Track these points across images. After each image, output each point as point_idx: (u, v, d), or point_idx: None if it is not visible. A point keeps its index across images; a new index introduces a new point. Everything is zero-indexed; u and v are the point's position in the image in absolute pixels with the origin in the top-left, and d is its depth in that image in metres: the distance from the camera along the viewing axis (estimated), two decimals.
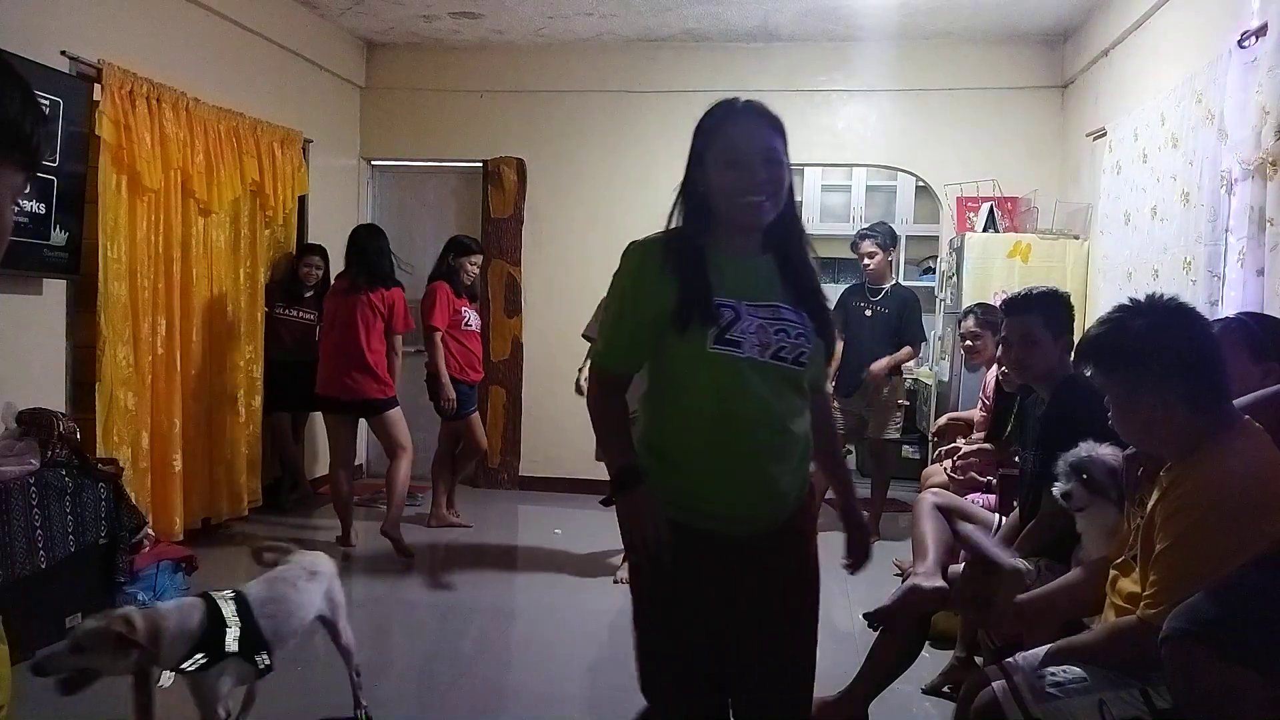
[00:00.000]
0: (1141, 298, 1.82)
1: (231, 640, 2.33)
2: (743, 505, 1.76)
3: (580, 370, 4.57)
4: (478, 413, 5.45)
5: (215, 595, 2.41)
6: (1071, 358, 2.68)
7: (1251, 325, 2.23)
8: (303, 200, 5.74)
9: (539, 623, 3.90)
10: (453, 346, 5.11)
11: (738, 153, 1.73)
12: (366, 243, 4.83)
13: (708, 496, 1.75)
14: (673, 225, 1.83)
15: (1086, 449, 2.29)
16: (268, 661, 2.42)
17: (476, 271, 5.33)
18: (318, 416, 5.47)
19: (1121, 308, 1.82)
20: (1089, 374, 1.90)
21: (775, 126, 1.78)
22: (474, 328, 5.31)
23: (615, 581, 4.21)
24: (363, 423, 5.05)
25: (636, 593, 1.85)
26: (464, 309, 5.20)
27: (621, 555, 4.24)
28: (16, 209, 0.74)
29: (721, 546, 1.75)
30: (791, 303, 1.78)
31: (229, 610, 2.37)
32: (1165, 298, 1.80)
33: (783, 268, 1.81)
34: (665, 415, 1.81)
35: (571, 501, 5.78)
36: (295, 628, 2.57)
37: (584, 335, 4.43)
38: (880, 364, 5.08)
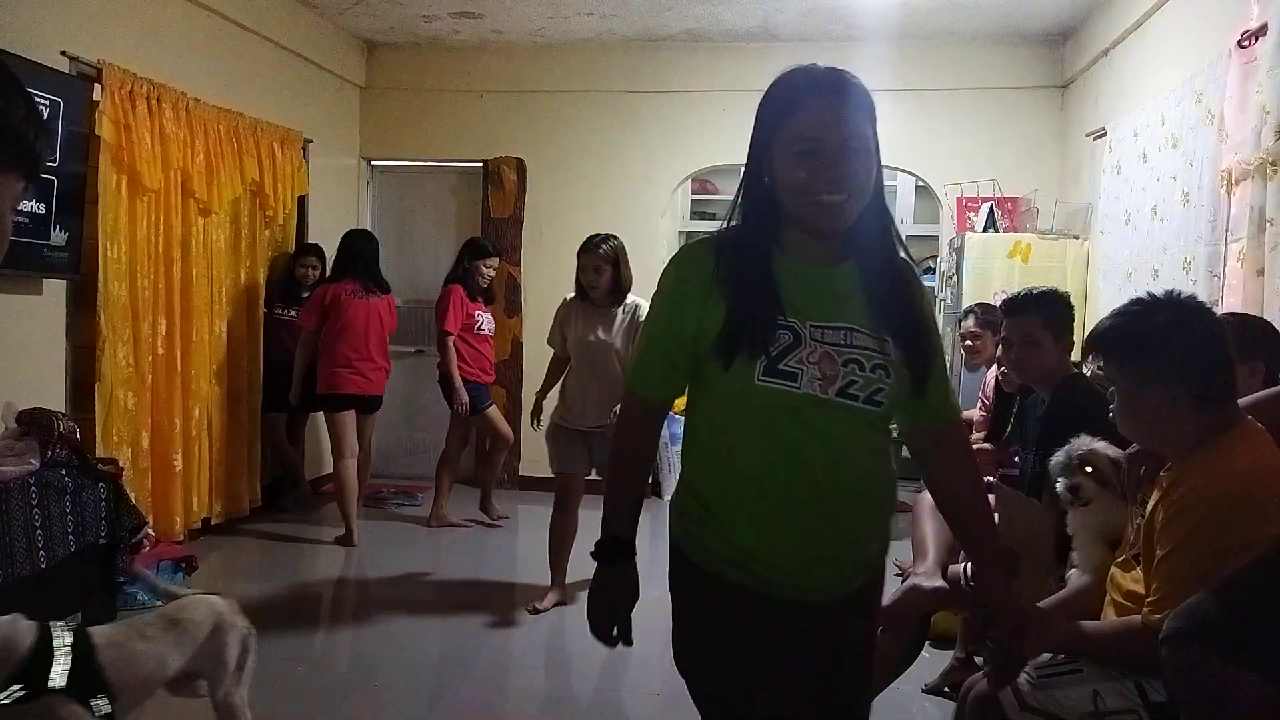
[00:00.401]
0: (1159, 293, 1.80)
1: (59, 674, 1.99)
2: (802, 569, 1.46)
3: (539, 393, 4.33)
4: (494, 405, 5.46)
5: (54, 626, 2.08)
6: (1077, 353, 2.68)
7: (1234, 324, 2.24)
8: (303, 200, 5.75)
9: (538, 623, 3.89)
10: (465, 351, 5.10)
11: (813, 141, 1.39)
12: (363, 247, 5.06)
13: (761, 557, 1.45)
14: (731, 224, 1.52)
15: (1084, 443, 2.28)
16: (107, 710, 2.05)
17: (493, 274, 5.30)
18: (316, 417, 5.48)
19: (1140, 301, 1.80)
20: (1098, 365, 1.89)
21: (862, 104, 1.43)
22: (487, 332, 5.28)
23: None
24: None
25: (688, 665, 1.53)
26: (478, 312, 5.18)
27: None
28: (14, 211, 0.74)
29: (785, 611, 1.46)
30: (872, 325, 1.45)
31: (61, 641, 2.04)
32: (1185, 295, 1.79)
33: (866, 280, 1.47)
34: (707, 457, 1.51)
35: None
36: (137, 680, 2.17)
37: (549, 342, 4.23)
38: None
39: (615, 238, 4.04)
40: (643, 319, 3.79)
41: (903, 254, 1.54)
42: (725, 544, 1.47)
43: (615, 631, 1.57)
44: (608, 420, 3.81)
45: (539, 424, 4.33)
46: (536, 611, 3.92)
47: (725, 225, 1.53)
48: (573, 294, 4.08)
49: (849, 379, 1.42)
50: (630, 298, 3.99)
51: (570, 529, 4.01)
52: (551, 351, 4.28)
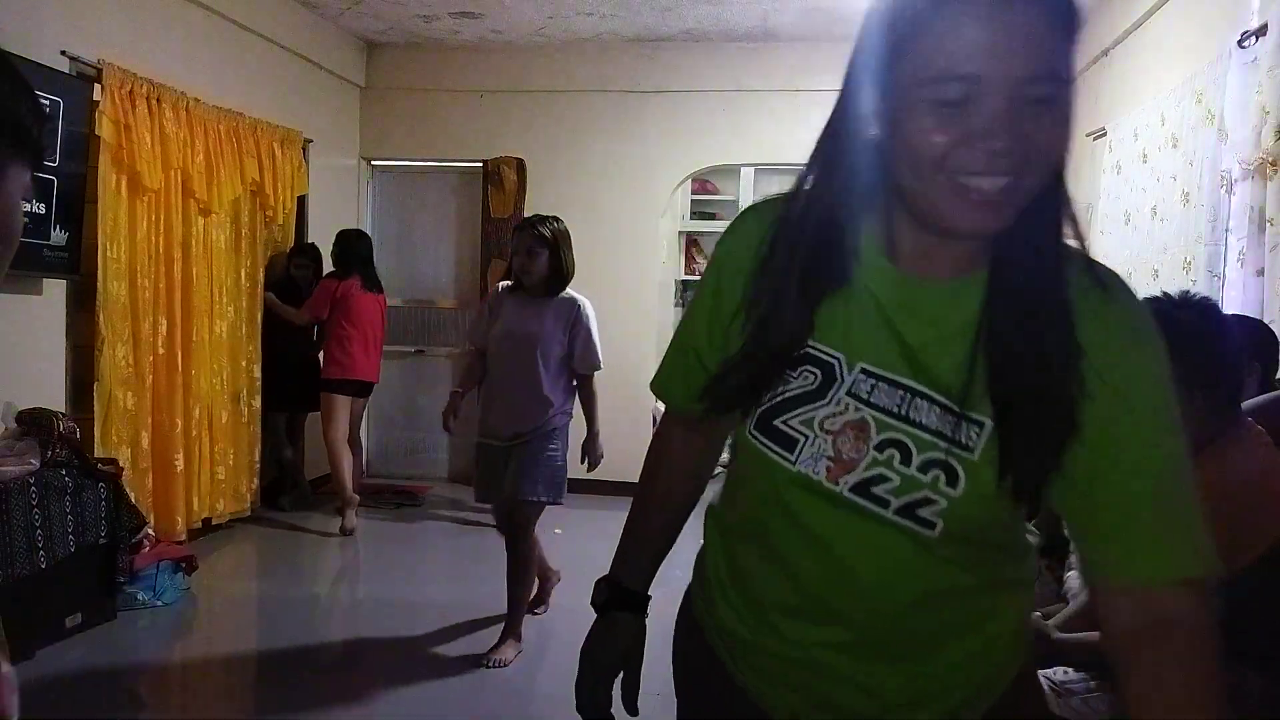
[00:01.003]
0: (1174, 293, 1.79)
1: None
2: (801, 707, 1.02)
3: (456, 392, 3.77)
4: None
5: None
6: None
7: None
8: (303, 200, 5.75)
9: (539, 622, 3.89)
10: None
11: (964, 80, 0.80)
12: (362, 246, 5.32)
13: (761, 677, 1.05)
14: (808, 187, 0.97)
15: None
16: None
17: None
18: (315, 417, 5.49)
19: (1155, 300, 1.79)
20: None
21: (1055, 16, 0.80)
22: None
23: (486, 664, 3.43)
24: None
25: None
26: None
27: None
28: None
29: None
30: (959, 391, 0.89)
31: None
32: (1199, 296, 1.80)
33: (993, 308, 0.90)
34: (719, 513, 1.12)
35: (571, 501, 5.76)
36: None
37: (468, 335, 3.92)
38: None
39: (558, 219, 3.54)
40: (585, 319, 3.48)
41: (1077, 265, 0.90)
42: (725, 629, 1.08)
43: (595, 704, 1.21)
44: (531, 427, 3.46)
45: (454, 424, 3.75)
46: (534, 611, 3.90)
47: (804, 182, 0.98)
48: (509, 281, 3.66)
49: (876, 471, 0.91)
50: (571, 293, 3.52)
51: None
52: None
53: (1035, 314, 0.88)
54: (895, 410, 0.92)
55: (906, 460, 0.91)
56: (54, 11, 3.83)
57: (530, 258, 3.44)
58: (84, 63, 3.94)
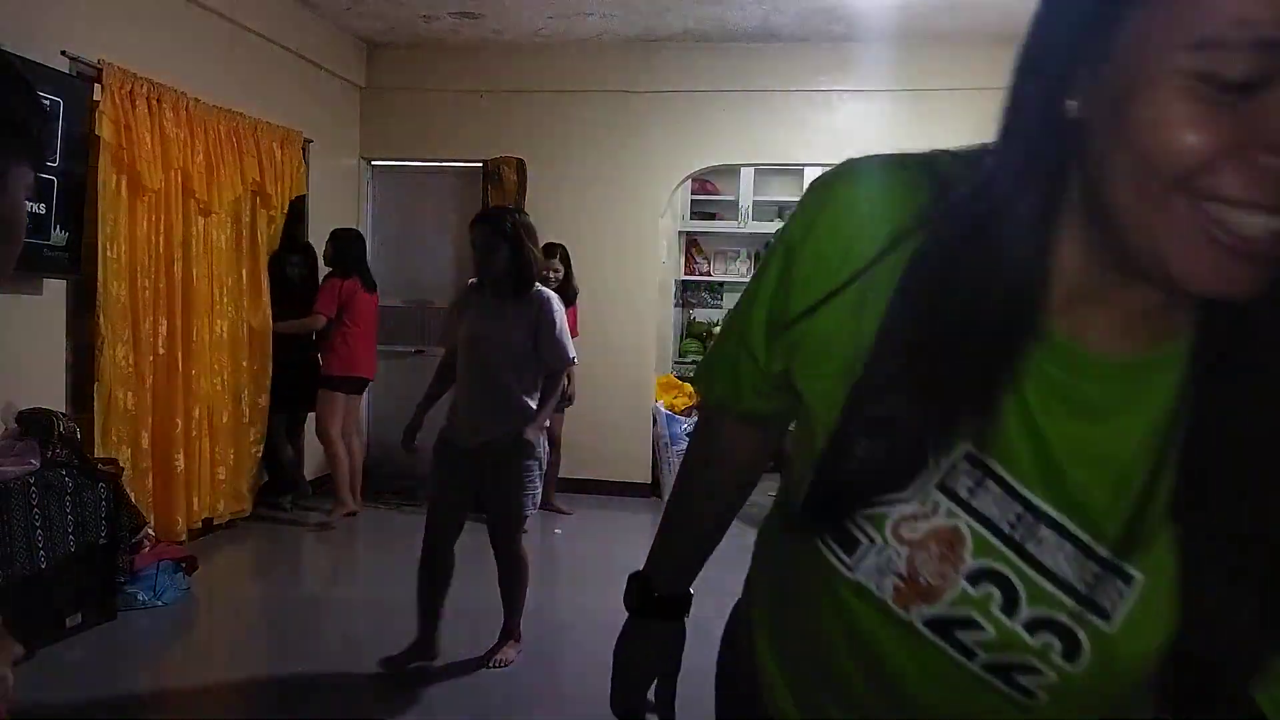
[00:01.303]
0: None
1: None
2: None
3: (421, 404, 3.54)
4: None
5: None
6: None
7: None
8: (303, 200, 5.74)
9: (534, 623, 3.89)
10: None
11: (1262, 49, 0.50)
12: (355, 247, 5.47)
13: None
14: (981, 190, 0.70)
15: None
16: None
17: (553, 276, 5.18)
18: (313, 417, 5.50)
19: None
20: None
21: None
22: None
23: (488, 665, 3.44)
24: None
25: None
26: None
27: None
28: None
29: None
30: (1121, 537, 0.63)
31: None
32: None
33: (1191, 418, 0.63)
34: (767, 536, 0.96)
35: (571, 502, 5.77)
36: None
37: (441, 339, 3.76)
38: None
39: (519, 211, 3.27)
40: (547, 314, 3.21)
41: None
42: (760, 669, 0.92)
43: (627, 710, 1.10)
44: (503, 433, 3.25)
45: (414, 443, 3.50)
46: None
47: (981, 183, 0.69)
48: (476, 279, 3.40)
49: (964, 612, 0.67)
50: (535, 288, 3.27)
51: (438, 573, 3.45)
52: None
53: (1268, 422, 0.59)
54: (1006, 530, 0.64)
55: (1010, 608, 0.64)
56: (54, 11, 3.84)
57: (488, 253, 3.19)
58: (84, 63, 3.94)
